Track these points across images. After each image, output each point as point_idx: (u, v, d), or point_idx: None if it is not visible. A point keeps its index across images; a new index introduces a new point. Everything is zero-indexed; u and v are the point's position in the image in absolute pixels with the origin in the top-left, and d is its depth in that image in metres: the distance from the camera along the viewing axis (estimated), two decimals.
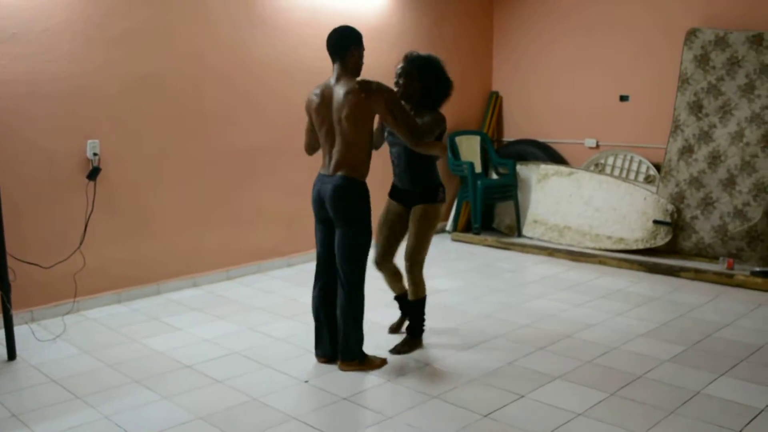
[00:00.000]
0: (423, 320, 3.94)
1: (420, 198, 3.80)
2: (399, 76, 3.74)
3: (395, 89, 3.63)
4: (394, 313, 4.29)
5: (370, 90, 3.36)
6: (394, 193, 3.94)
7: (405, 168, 3.81)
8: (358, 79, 3.45)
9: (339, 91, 3.45)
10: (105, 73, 4.62)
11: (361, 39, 3.56)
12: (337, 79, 3.50)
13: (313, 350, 3.85)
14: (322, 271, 3.70)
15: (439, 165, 6.32)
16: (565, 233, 6.50)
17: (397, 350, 3.84)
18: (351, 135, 3.44)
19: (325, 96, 3.52)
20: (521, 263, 5.98)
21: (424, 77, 3.71)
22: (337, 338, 3.66)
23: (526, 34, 7.22)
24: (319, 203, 3.60)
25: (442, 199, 3.85)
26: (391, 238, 3.94)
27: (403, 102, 3.59)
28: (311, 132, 3.69)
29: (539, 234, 6.71)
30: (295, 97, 5.68)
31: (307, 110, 3.64)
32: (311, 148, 3.77)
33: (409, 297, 3.90)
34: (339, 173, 3.48)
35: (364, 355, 3.64)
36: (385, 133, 3.84)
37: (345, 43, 3.51)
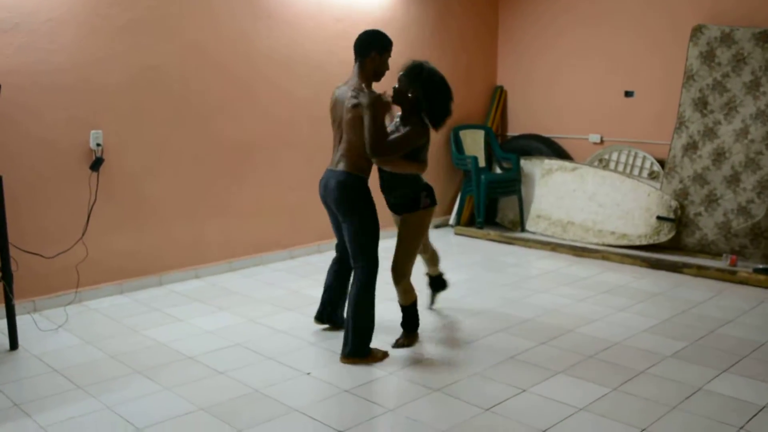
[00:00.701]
0: (417, 318, 3.97)
1: (404, 207, 3.79)
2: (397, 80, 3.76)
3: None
4: (397, 307, 4.28)
5: (358, 100, 3.49)
6: (387, 202, 3.93)
7: (388, 178, 3.79)
8: (360, 86, 3.54)
9: (347, 93, 3.58)
10: (109, 63, 4.61)
11: (385, 47, 3.63)
12: (352, 80, 3.62)
13: (315, 342, 3.89)
14: (340, 250, 3.99)
15: (444, 160, 6.30)
16: (569, 228, 6.49)
17: (399, 344, 3.85)
18: (351, 134, 3.56)
19: (339, 96, 3.67)
20: (524, 258, 5.97)
21: (413, 85, 3.64)
22: (335, 315, 4.03)
23: (531, 28, 7.20)
24: (324, 197, 3.73)
25: (427, 205, 3.78)
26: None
27: (397, 109, 3.75)
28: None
29: (542, 229, 6.70)
30: (297, 90, 5.69)
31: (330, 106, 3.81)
32: None
33: (400, 302, 3.92)
34: (340, 168, 3.60)
35: (368, 350, 3.65)
36: None
37: (368, 46, 3.60)
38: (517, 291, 4.93)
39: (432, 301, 4.55)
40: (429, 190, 3.83)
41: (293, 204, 5.78)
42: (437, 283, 4.51)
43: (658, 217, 5.92)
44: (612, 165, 6.62)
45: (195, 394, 3.23)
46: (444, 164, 7.05)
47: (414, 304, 3.92)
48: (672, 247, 5.93)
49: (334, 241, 6.07)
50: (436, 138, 6.87)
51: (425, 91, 3.64)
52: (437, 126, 3.72)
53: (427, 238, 4.25)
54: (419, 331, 3.99)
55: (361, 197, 3.58)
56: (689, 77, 5.90)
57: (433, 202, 3.83)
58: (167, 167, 4.99)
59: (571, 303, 4.64)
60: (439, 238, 3.85)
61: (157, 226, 4.98)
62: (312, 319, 4.15)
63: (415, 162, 3.68)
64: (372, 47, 3.58)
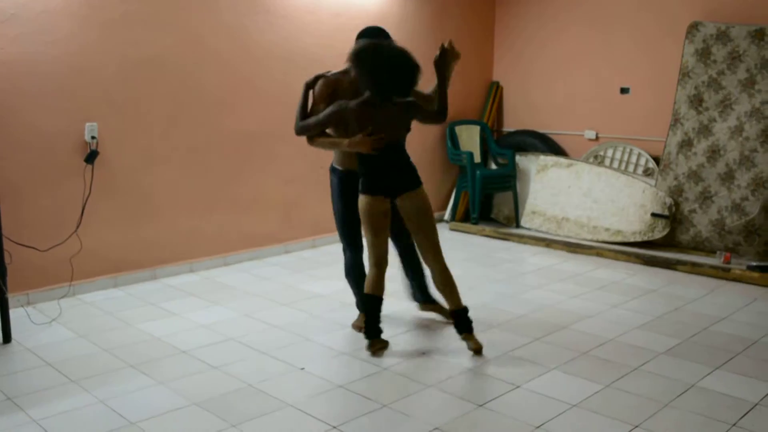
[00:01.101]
0: (371, 315, 3.69)
1: None
2: None
3: None
4: (391, 301, 4.28)
5: None
6: None
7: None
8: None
9: None
10: (104, 55, 4.59)
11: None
12: None
13: (309, 337, 3.90)
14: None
15: (439, 156, 6.29)
16: (563, 224, 6.50)
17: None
18: None
19: None
20: (519, 254, 5.98)
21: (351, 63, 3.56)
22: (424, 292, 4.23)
23: (528, 24, 7.19)
24: None
25: (360, 191, 3.65)
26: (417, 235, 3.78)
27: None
28: None
29: (537, 225, 6.71)
30: (294, 83, 5.64)
31: None
32: None
33: None
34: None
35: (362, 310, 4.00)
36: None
37: (358, 36, 3.77)
38: (511, 287, 4.94)
39: (470, 349, 3.67)
40: (367, 177, 3.60)
41: (289, 198, 5.77)
42: (456, 322, 3.71)
43: (653, 214, 5.93)
44: (607, 161, 6.63)
45: (189, 389, 3.23)
46: (439, 159, 7.04)
47: (369, 298, 3.67)
48: (666, 244, 5.94)
49: (329, 235, 6.08)
50: (432, 133, 6.89)
51: (354, 65, 3.51)
52: (381, 96, 3.50)
53: (428, 246, 3.72)
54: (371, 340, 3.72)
55: (332, 184, 3.91)
56: (684, 74, 5.91)
57: (364, 191, 3.59)
58: (162, 160, 4.98)
59: (565, 299, 4.65)
60: None
61: (151, 219, 4.97)
62: (307, 314, 4.15)
63: (336, 138, 3.67)
64: (360, 37, 3.75)
